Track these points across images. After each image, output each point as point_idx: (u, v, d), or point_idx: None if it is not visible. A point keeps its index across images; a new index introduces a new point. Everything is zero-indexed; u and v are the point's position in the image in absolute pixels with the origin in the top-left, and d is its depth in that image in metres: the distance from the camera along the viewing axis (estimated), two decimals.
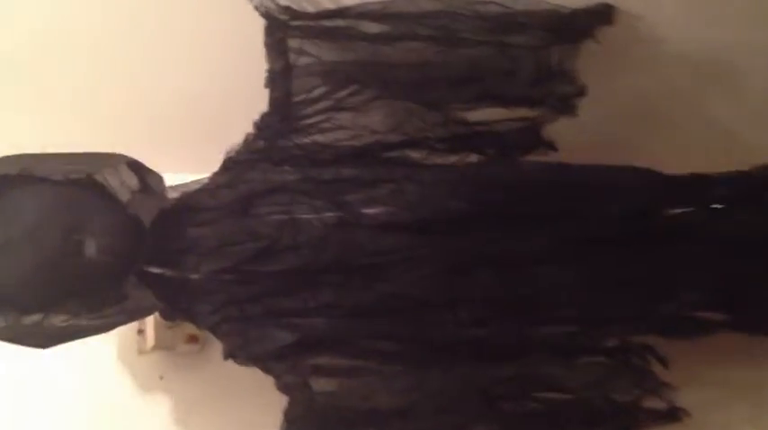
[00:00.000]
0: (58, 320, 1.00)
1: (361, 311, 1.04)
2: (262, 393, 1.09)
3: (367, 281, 1.03)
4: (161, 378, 1.35)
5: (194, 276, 1.04)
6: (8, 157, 0.99)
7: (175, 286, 1.04)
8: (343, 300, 1.03)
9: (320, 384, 1.03)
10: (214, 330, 1.06)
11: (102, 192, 1.02)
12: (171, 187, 1.10)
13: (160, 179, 1.06)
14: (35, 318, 0.99)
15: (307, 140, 1.09)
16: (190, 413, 1.33)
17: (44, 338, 0.99)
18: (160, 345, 1.31)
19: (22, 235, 0.95)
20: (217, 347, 1.32)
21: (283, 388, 1.03)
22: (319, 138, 1.09)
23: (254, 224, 1.05)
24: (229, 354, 1.05)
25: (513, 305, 1.03)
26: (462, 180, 1.09)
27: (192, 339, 1.34)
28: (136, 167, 1.04)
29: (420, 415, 1.01)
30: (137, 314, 1.03)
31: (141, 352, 1.34)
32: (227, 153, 1.10)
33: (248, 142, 1.09)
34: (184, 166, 1.14)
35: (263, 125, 1.07)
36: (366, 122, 1.09)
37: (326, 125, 1.08)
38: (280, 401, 1.06)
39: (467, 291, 1.03)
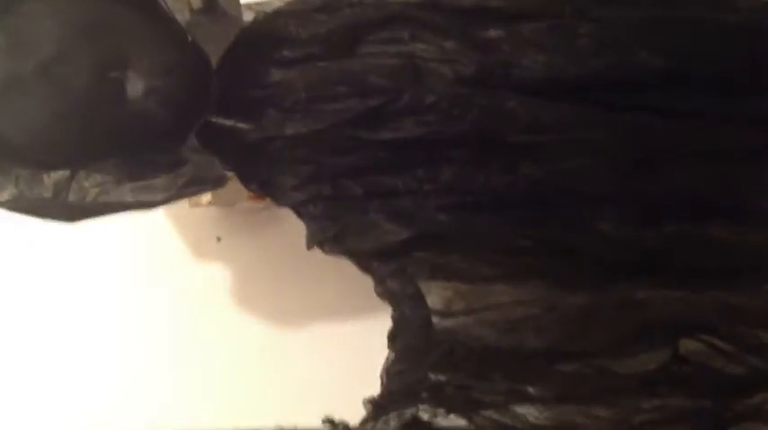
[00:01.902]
0: (91, 183, 0.73)
1: (494, 201, 0.76)
2: (341, 272, 0.84)
3: (509, 162, 0.74)
4: (218, 239, 1.11)
5: (275, 137, 0.76)
6: None
7: (249, 147, 0.77)
8: (471, 183, 0.76)
9: (438, 299, 0.76)
10: (298, 210, 0.79)
11: (153, 9, 0.72)
12: (244, 5, 0.79)
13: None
14: (58, 175, 0.73)
15: None
16: (249, 283, 1.10)
17: (70, 208, 0.73)
18: (218, 200, 1.06)
19: (36, 70, 0.69)
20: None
21: (386, 294, 0.77)
22: None
23: (361, 70, 0.75)
24: (317, 243, 0.78)
25: (716, 220, 0.73)
26: (659, 22, 0.75)
27: (258, 195, 1.08)
28: None
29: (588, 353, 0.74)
30: (196, 186, 0.76)
31: (194, 204, 1.08)
32: None
33: None
34: None
35: None
36: None
37: None
38: (362, 285, 0.81)
39: (652, 190, 0.74)
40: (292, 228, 1.03)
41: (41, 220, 0.73)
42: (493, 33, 0.75)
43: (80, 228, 0.75)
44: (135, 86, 0.71)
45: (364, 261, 0.78)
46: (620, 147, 0.73)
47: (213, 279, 1.10)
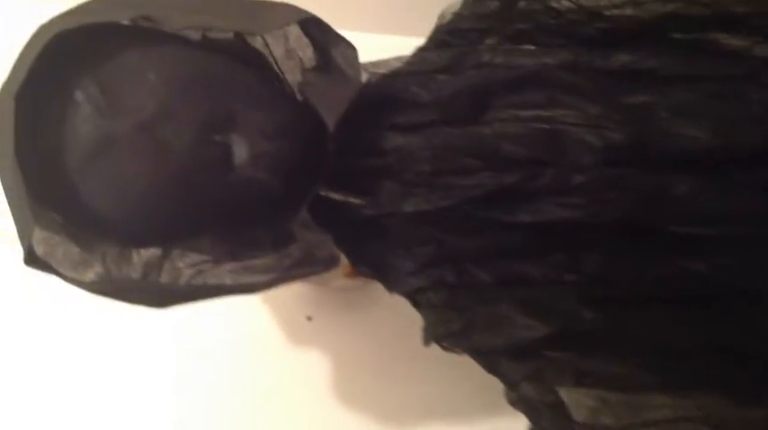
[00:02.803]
0: (186, 263, 0.64)
1: (650, 296, 0.63)
2: (454, 368, 0.73)
3: (668, 252, 0.62)
4: (309, 319, 1.01)
5: (392, 213, 0.66)
6: None
7: (362, 224, 0.67)
8: (622, 275, 0.63)
9: (582, 410, 0.63)
10: (415, 299, 0.68)
11: (263, 63, 0.64)
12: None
13: (352, 52, 0.66)
14: (149, 253, 0.64)
15: (565, 1, 0.66)
16: (341, 368, 1.00)
17: (162, 292, 0.64)
18: (310, 278, 0.97)
19: (134, 130, 0.59)
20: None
21: (519, 403, 0.65)
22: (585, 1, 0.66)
23: (493, 137, 0.65)
24: (436, 338, 0.67)
25: None
26: None
27: (354, 273, 0.99)
28: (315, 29, 0.65)
29: None
30: (304, 268, 0.65)
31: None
32: (441, 17, 0.70)
33: (472, 3, 0.68)
34: (369, 24, 0.74)
35: None
36: None
37: None
38: (484, 386, 0.69)
39: None
40: (391, 310, 0.93)
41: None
42: (646, 97, 0.64)
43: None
44: (243, 150, 0.61)
45: (492, 360, 0.66)
46: None
47: (302, 361, 1.00)
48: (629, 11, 0.65)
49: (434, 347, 0.82)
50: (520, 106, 0.65)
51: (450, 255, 0.66)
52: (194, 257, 0.64)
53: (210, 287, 0.63)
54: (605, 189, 0.61)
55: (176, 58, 0.61)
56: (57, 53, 0.59)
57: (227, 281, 0.64)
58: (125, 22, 0.59)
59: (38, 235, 0.61)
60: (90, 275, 0.63)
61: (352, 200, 0.67)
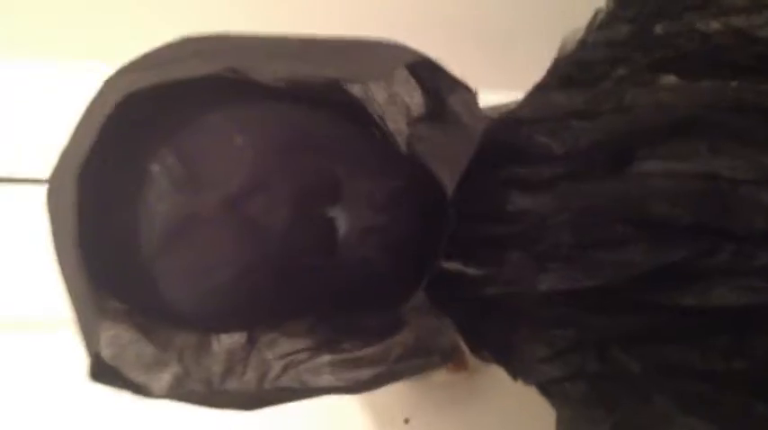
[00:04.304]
0: (276, 354, 0.54)
1: None
2: None
3: None
4: (406, 421, 0.89)
5: (522, 292, 0.54)
6: (197, 41, 0.52)
7: (483, 303, 0.56)
8: None
9: None
10: (548, 390, 0.57)
11: (363, 118, 0.55)
12: None
13: (472, 97, 0.55)
14: (232, 340, 0.55)
15: (715, 24, 0.55)
16: None
17: (247, 395, 0.53)
18: None
19: (220, 206, 0.49)
20: (490, 375, 0.87)
21: None
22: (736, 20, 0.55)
23: (641, 196, 0.53)
24: None
25: None
26: None
27: (459, 365, 0.87)
28: (425, 71, 0.55)
29: None
30: (416, 360, 0.55)
31: None
32: (561, 48, 0.62)
33: (598, 28, 0.60)
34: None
35: None
36: None
37: None
38: None
39: None
40: (499, 404, 0.83)
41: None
42: None
43: None
44: (349, 225, 0.52)
45: None
46: None
47: None
48: None
49: None
50: (673, 157, 0.54)
51: (593, 337, 0.54)
52: (286, 347, 0.54)
53: (304, 389, 0.53)
54: None
55: (267, 118, 0.53)
56: (125, 119, 0.50)
57: (325, 375, 0.53)
58: (212, 71, 0.50)
59: (105, 335, 0.53)
60: (166, 377, 0.54)
61: (471, 272, 0.56)
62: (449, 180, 0.52)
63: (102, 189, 0.50)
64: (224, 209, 0.50)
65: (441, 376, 0.88)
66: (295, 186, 0.51)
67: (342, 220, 0.52)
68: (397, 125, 0.57)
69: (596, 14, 0.62)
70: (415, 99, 0.56)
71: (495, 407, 0.88)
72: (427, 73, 0.55)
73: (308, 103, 0.53)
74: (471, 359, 0.88)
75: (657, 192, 0.53)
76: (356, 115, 0.56)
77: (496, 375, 0.90)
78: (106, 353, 0.52)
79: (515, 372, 0.59)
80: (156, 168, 0.50)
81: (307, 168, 0.51)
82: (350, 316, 0.55)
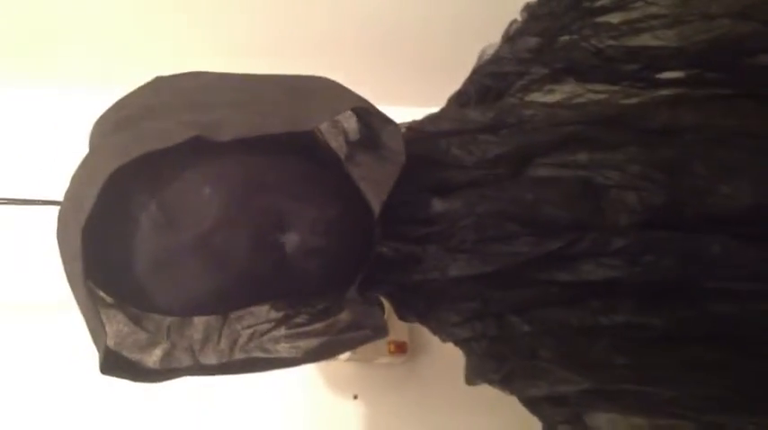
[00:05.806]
0: (243, 325, 0.71)
1: (679, 341, 0.65)
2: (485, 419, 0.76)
3: (700, 300, 0.64)
4: (355, 397, 1.04)
5: (437, 279, 0.69)
6: (167, 87, 0.67)
7: (408, 289, 0.71)
8: (653, 318, 0.65)
9: None
10: (461, 346, 0.73)
11: (309, 146, 0.69)
12: None
13: (397, 130, 0.67)
14: (210, 317, 0.70)
15: (611, 42, 0.69)
16: None
17: (220, 366, 0.69)
18: (356, 355, 1.01)
19: (194, 243, 0.61)
20: (427, 357, 1.03)
21: None
22: (635, 40, 0.69)
23: (534, 200, 0.67)
24: (478, 380, 0.72)
25: None
26: None
27: (399, 348, 1.03)
28: (367, 116, 0.68)
29: None
30: (353, 331, 0.70)
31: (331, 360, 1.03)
32: (480, 56, 0.74)
33: (510, 40, 0.72)
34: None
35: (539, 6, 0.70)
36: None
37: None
38: None
39: None
40: (435, 384, 0.96)
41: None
42: (684, 155, 0.65)
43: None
44: (295, 248, 0.64)
45: (534, 405, 0.70)
46: None
47: None
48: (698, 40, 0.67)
49: (477, 420, 0.86)
50: (561, 166, 0.67)
51: (492, 307, 0.69)
52: (251, 320, 0.70)
53: (267, 357, 0.68)
54: (643, 252, 0.63)
55: (229, 168, 0.63)
56: (116, 186, 0.59)
57: (282, 343, 0.68)
58: (185, 137, 0.60)
59: (109, 332, 0.65)
60: (157, 352, 0.68)
61: (401, 261, 0.69)
62: (376, 204, 0.65)
63: (100, 236, 0.61)
64: (197, 244, 0.61)
65: (384, 359, 1.03)
66: (251, 223, 0.62)
67: (290, 244, 0.63)
68: (338, 143, 0.70)
69: (511, 25, 0.74)
70: (351, 124, 0.70)
71: (431, 385, 1.03)
72: (368, 115, 0.67)
73: (266, 148, 0.64)
74: (410, 344, 1.04)
75: (545, 198, 0.67)
76: (306, 144, 0.68)
77: (432, 358, 1.07)
78: (110, 343, 0.65)
79: (434, 332, 0.75)
80: (140, 216, 0.62)
81: (261, 207, 0.63)
82: (300, 303, 0.70)
